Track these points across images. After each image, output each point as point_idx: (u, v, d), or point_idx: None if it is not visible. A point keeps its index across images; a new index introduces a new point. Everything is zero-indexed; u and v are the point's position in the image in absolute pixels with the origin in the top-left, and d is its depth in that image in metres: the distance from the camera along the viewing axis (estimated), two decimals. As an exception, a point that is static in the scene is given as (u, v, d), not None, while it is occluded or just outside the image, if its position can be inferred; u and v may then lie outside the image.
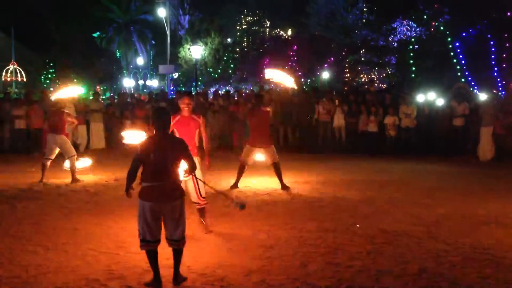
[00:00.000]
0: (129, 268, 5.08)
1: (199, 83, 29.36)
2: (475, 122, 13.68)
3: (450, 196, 8.78)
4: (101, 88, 33.43)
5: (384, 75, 24.87)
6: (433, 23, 22.00)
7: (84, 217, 7.20)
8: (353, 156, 13.96)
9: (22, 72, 34.21)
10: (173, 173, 4.70)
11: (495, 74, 18.61)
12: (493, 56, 18.60)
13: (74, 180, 9.93)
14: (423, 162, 13.05)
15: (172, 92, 28.81)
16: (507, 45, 18.34)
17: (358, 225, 6.75)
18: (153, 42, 40.12)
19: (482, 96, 14.88)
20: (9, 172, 11.19)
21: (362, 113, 14.70)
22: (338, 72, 25.93)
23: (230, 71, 31.53)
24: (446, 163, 12.87)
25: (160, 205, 4.59)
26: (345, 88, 20.67)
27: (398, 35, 23.95)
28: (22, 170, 11.42)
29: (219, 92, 22.48)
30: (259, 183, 9.86)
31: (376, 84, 22.50)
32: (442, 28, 21.16)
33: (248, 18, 34.50)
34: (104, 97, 25.19)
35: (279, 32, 32.77)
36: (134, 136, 7.89)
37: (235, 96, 18.24)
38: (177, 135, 6.05)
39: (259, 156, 9.39)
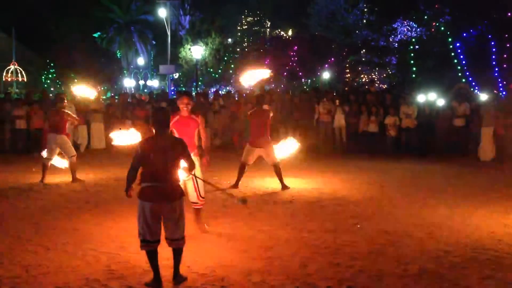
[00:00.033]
0: (130, 268, 5.08)
1: (199, 83, 29.37)
2: (475, 122, 13.67)
3: (450, 196, 8.77)
4: (102, 88, 33.39)
5: (384, 75, 24.89)
6: (433, 24, 22.03)
7: (85, 217, 7.20)
8: (354, 157, 13.95)
9: (23, 72, 34.22)
10: (172, 173, 4.70)
11: (496, 74, 18.62)
12: (493, 57, 18.62)
13: (75, 180, 9.93)
14: (424, 162, 13.04)
15: (172, 92, 28.83)
16: (508, 45, 18.36)
17: (358, 226, 6.75)
18: (154, 42, 40.10)
19: (483, 96, 14.88)
20: (10, 172, 11.19)
21: (362, 113, 14.70)
22: (338, 72, 25.95)
23: (231, 71, 31.53)
24: (447, 163, 12.86)
25: (160, 205, 4.59)
26: (346, 88, 20.69)
27: (399, 36, 23.97)
28: (22, 170, 11.42)
29: (220, 92, 22.48)
30: (259, 183, 9.86)
31: (376, 85, 22.52)
32: (442, 28, 21.18)
33: (249, 19, 34.52)
34: (104, 97, 25.14)
35: (279, 33, 32.79)
36: (123, 137, 7.89)
37: (236, 96, 18.23)
38: (176, 135, 6.03)
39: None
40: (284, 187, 9.30)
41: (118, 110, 16.39)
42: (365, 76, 25.07)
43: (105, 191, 9.16)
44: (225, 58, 32.23)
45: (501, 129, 13.18)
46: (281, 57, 27.83)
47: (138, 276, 4.85)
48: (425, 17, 22.63)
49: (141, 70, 41.36)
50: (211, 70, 32.65)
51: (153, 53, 41.25)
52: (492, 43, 18.68)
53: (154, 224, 4.60)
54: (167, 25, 30.17)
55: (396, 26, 24.08)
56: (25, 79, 34.36)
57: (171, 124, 5.75)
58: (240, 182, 9.45)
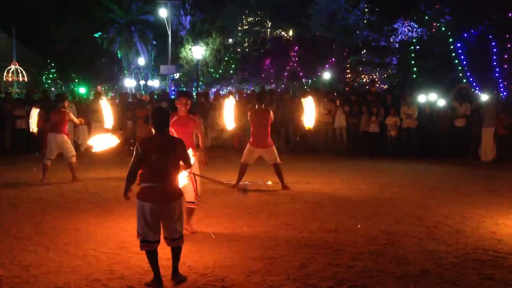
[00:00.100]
0: (130, 268, 5.08)
1: (200, 83, 29.35)
2: (476, 122, 13.66)
3: (451, 196, 8.77)
4: (103, 88, 33.42)
5: (385, 75, 24.85)
6: (434, 24, 22.00)
7: (85, 217, 7.20)
8: (354, 157, 13.96)
9: (23, 72, 34.24)
10: (172, 173, 4.71)
11: (497, 74, 18.60)
12: (494, 57, 18.60)
13: (75, 179, 9.94)
14: (424, 162, 13.04)
15: (173, 92, 28.80)
16: (509, 45, 18.34)
17: (359, 226, 6.75)
18: (154, 43, 40.09)
19: (484, 97, 14.87)
20: (10, 172, 11.20)
21: (363, 113, 14.69)
22: (339, 72, 25.92)
23: (231, 72, 31.51)
24: (447, 163, 12.86)
25: (160, 205, 4.60)
26: (346, 89, 20.66)
27: (400, 36, 23.94)
28: (23, 170, 11.43)
29: (220, 92, 22.46)
30: (260, 183, 9.86)
31: (377, 85, 22.49)
32: (443, 28, 21.16)
33: (250, 19, 34.44)
34: (105, 97, 25.16)
35: (280, 33, 32.72)
36: (103, 142, 7.90)
37: (236, 96, 18.21)
38: (175, 135, 6.03)
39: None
40: (285, 187, 9.31)
41: (119, 110, 16.35)
42: (366, 76, 25.02)
43: (105, 191, 9.16)
44: (226, 58, 32.19)
45: (502, 129, 13.17)
46: (281, 58, 27.80)
47: (138, 276, 4.86)
48: (426, 17, 22.60)
49: (141, 70, 41.35)
50: (212, 70, 32.62)
51: (154, 53, 41.24)
52: (493, 43, 18.66)
53: (154, 224, 4.60)
54: (168, 25, 30.15)
55: (396, 26, 24.04)
56: (26, 79, 34.39)
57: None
58: (240, 183, 9.44)
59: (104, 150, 8.48)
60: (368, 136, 14.59)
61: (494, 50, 18.60)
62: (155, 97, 18.07)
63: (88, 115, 15.32)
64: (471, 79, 18.97)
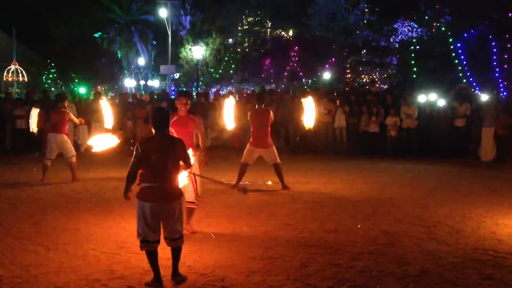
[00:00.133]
0: (130, 268, 5.08)
1: (200, 83, 29.33)
2: (476, 122, 13.66)
3: (451, 196, 8.77)
4: (103, 88, 33.43)
5: (385, 75, 24.85)
6: (434, 24, 22.00)
7: (85, 217, 7.20)
8: (354, 157, 13.96)
9: (24, 72, 34.24)
10: (173, 173, 4.71)
11: (497, 74, 18.60)
12: (494, 57, 18.60)
13: (75, 179, 9.94)
14: (424, 162, 13.04)
15: (173, 92, 28.80)
16: (509, 45, 18.34)
17: (359, 226, 6.75)
18: (154, 43, 40.09)
19: (484, 97, 14.87)
20: (10, 172, 11.20)
21: (363, 113, 14.69)
22: (339, 72, 25.91)
23: (232, 72, 31.51)
24: (447, 163, 12.86)
25: (160, 205, 4.60)
26: (346, 89, 20.66)
27: (400, 36, 23.94)
28: (23, 170, 11.43)
29: (220, 92, 22.46)
30: (260, 183, 9.86)
31: (377, 85, 22.48)
32: (443, 28, 21.16)
33: (250, 19, 34.44)
34: (105, 97, 25.18)
35: (280, 33, 32.72)
36: (102, 142, 7.90)
37: (236, 96, 18.22)
38: (175, 135, 6.02)
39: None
40: (285, 187, 9.31)
41: (119, 110, 16.35)
42: (366, 76, 25.02)
43: (105, 191, 9.16)
44: (226, 58, 32.19)
45: (502, 129, 13.18)
46: (281, 58, 27.79)
47: (138, 276, 4.86)
48: (426, 17, 22.60)
49: (141, 70, 41.36)
50: (212, 70, 32.62)
51: (154, 53, 41.25)
52: (493, 43, 18.67)
53: (154, 224, 4.60)
54: (168, 25, 30.15)
55: (396, 26, 24.05)
56: (26, 79, 34.38)
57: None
58: (240, 183, 9.45)
59: (104, 150, 8.49)
60: (368, 136, 14.59)
61: (494, 50, 18.60)
62: (155, 97, 18.07)
63: (88, 115, 15.32)
64: (471, 79, 18.97)
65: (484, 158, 13.37)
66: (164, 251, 4.83)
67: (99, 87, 31.92)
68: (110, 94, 28.82)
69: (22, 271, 4.99)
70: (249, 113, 9.45)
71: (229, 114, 9.30)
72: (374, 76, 24.53)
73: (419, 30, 22.94)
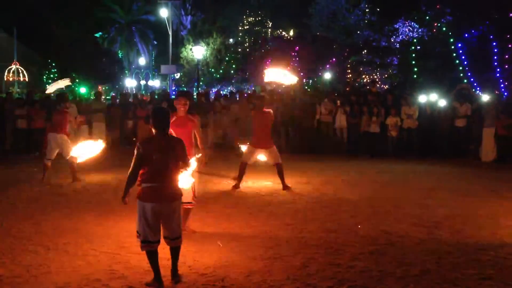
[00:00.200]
0: (131, 268, 5.08)
1: (200, 83, 29.35)
2: (477, 123, 13.66)
3: (451, 196, 8.77)
4: (103, 88, 33.46)
5: (386, 75, 24.83)
6: (435, 24, 21.98)
7: (85, 217, 7.20)
8: (355, 157, 13.96)
9: (24, 72, 34.27)
10: (173, 173, 4.72)
11: (498, 75, 18.59)
12: (495, 57, 18.59)
13: (75, 179, 9.94)
14: (425, 163, 13.04)
15: (174, 92, 28.81)
16: (510, 46, 18.32)
17: (359, 226, 6.75)
18: (155, 43, 40.14)
19: (484, 97, 14.86)
20: (11, 172, 11.20)
21: (364, 113, 14.69)
22: (340, 72, 25.91)
23: (232, 72, 31.54)
24: (448, 164, 12.85)
25: (161, 205, 4.60)
26: (347, 89, 20.66)
27: (400, 36, 23.92)
28: (23, 170, 11.42)
29: (221, 92, 22.47)
30: (260, 183, 9.86)
31: (378, 85, 22.47)
32: (444, 29, 21.15)
33: (250, 19, 34.47)
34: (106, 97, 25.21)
35: (281, 33, 32.75)
36: (87, 150, 7.92)
37: (237, 96, 18.22)
38: (174, 135, 6.02)
39: (261, 156, 9.43)
40: (285, 187, 9.30)
41: (120, 110, 16.37)
42: (367, 76, 25.01)
43: (106, 191, 9.15)
44: (227, 58, 32.22)
45: (503, 129, 13.17)
46: (282, 57, 27.80)
47: (139, 276, 4.86)
48: (427, 17, 22.59)
49: (142, 70, 41.40)
50: (213, 70, 32.65)
51: (155, 53, 41.29)
52: (494, 43, 18.66)
53: (155, 224, 4.61)
54: (169, 25, 30.16)
55: (397, 26, 24.04)
56: (27, 79, 34.42)
57: None
58: (241, 183, 9.46)
59: (89, 158, 8.57)
60: (368, 136, 14.59)
61: (495, 50, 18.59)
62: (156, 97, 18.08)
63: (89, 115, 15.35)
64: (471, 79, 18.96)
65: (484, 158, 13.36)
66: (164, 251, 4.83)
67: (99, 87, 31.94)
68: (111, 94, 28.83)
69: (23, 271, 4.99)
70: (250, 114, 9.45)
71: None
72: (375, 76, 24.52)
73: (419, 30, 22.93)
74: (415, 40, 22.42)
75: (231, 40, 33.90)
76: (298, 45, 27.94)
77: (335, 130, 15.23)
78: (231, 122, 15.56)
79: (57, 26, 36.60)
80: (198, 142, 6.64)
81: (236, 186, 9.37)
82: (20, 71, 34.07)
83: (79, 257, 5.42)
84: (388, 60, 24.75)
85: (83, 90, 23.99)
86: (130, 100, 17.87)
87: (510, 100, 15.72)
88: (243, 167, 9.41)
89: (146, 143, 4.69)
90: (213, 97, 19.01)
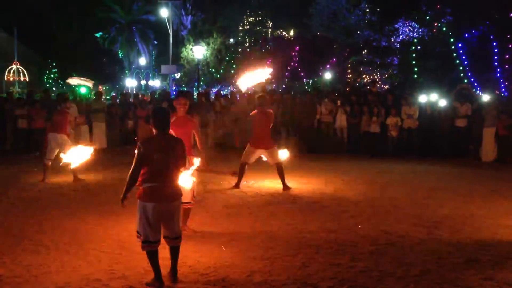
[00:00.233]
0: (131, 268, 5.08)
1: (201, 83, 29.34)
2: (477, 123, 13.66)
3: (452, 197, 8.77)
4: (104, 88, 33.46)
5: (386, 75, 24.85)
6: (435, 24, 22.00)
7: (86, 217, 7.20)
8: (355, 157, 13.96)
9: (25, 72, 34.26)
10: (174, 173, 4.73)
11: (498, 75, 18.60)
12: (495, 57, 18.60)
13: (76, 179, 9.94)
14: (425, 163, 13.04)
15: (174, 92, 28.82)
16: (510, 46, 18.33)
17: (359, 226, 6.75)
18: (156, 42, 40.13)
19: (485, 97, 14.85)
20: (11, 172, 11.20)
21: (364, 113, 14.70)
22: (340, 72, 25.92)
23: (232, 72, 31.54)
24: (448, 164, 12.85)
25: (162, 205, 4.61)
26: (347, 89, 20.66)
27: (401, 36, 23.94)
28: (23, 170, 11.43)
29: (221, 92, 22.47)
30: (261, 183, 9.86)
31: (378, 85, 22.49)
32: (444, 29, 21.17)
33: (251, 19, 34.49)
34: (107, 97, 25.21)
35: (281, 33, 32.77)
36: (77, 155, 7.93)
37: (237, 96, 18.23)
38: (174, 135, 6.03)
39: (262, 156, 9.43)
40: (286, 187, 9.30)
41: (120, 110, 16.38)
42: (367, 76, 25.03)
43: (106, 191, 9.15)
44: (227, 58, 32.23)
45: (503, 129, 13.17)
46: (282, 58, 27.81)
47: (139, 276, 4.86)
48: (427, 17, 22.61)
49: (142, 70, 41.40)
50: (213, 70, 32.66)
51: (155, 53, 41.29)
52: (494, 43, 18.67)
53: (156, 224, 4.62)
54: (169, 25, 30.16)
55: (398, 26, 24.05)
56: (27, 79, 34.40)
57: None
58: (241, 183, 9.46)
59: (81, 163, 8.57)
60: (369, 136, 14.59)
61: (495, 50, 18.61)
62: (156, 97, 18.08)
63: (89, 115, 15.36)
64: (472, 79, 18.98)
65: (485, 158, 13.36)
66: (164, 251, 4.83)
67: (100, 87, 31.93)
68: (112, 93, 28.83)
69: (23, 271, 4.99)
70: (250, 114, 9.44)
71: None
72: (375, 76, 24.54)
73: (420, 30, 22.94)
74: (415, 40, 22.44)
75: (231, 40, 33.91)
76: (299, 45, 27.96)
77: (335, 130, 15.24)
78: (231, 122, 15.56)
79: (57, 26, 36.61)
80: (197, 143, 6.64)
81: (236, 186, 9.37)
82: (21, 71, 34.06)
83: (80, 257, 5.42)
84: (389, 60, 24.77)
85: (83, 90, 23.98)
86: (130, 100, 17.88)
87: (511, 100, 15.72)
88: (243, 168, 9.41)
89: (146, 143, 4.69)
90: (213, 97, 19.01)
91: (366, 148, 14.54)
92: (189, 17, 35.78)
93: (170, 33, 30.16)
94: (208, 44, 32.11)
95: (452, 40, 19.95)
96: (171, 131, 5.95)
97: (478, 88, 18.35)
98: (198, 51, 26.69)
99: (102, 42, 39.46)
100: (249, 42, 32.41)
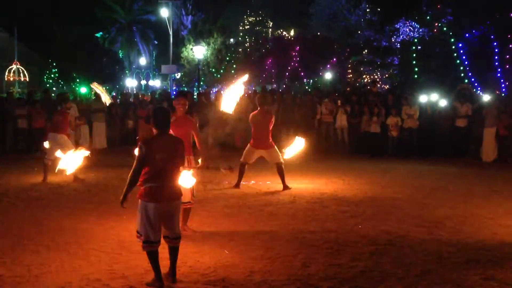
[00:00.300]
0: (131, 268, 5.08)
1: (201, 83, 29.34)
2: (478, 123, 13.65)
3: (452, 197, 8.76)
4: (104, 88, 33.44)
5: (386, 75, 24.86)
6: (436, 24, 21.99)
7: (86, 217, 7.20)
8: (355, 157, 13.95)
9: (25, 71, 34.28)
10: (174, 173, 4.73)
11: (498, 75, 18.58)
12: (496, 57, 18.59)
13: (76, 179, 9.94)
14: (426, 163, 13.03)
15: (174, 92, 28.82)
16: (510, 46, 18.32)
17: (360, 226, 6.74)
18: (156, 42, 40.16)
19: (485, 97, 14.83)
20: (11, 172, 11.20)
21: (364, 113, 14.69)
22: (340, 72, 25.94)
23: (233, 72, 31.54)
24: (449, 164, 12.85)
25: (164, 205, 4.61)
26: (348, 89, 20.66)
27: (401, 36, 23.96)
28: (23, 170, 11.42)
29: (222, 92, 22.42)
30: (261, 183, 9.86)
31: (378, 85, 22.50)
32: (445, 29, 21.16)
33: (251, 19, 34.54)
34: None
35: (281, 33, 32.78)
36: (72, 161, 7.93)
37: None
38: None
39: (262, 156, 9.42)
40: (286, 187, 9.30)
41: (120, 110, 16.37)
42: (367, 76, 25.05)
43: (106, 191, 9.16)
44: (227, 58, 32.23)
45: (504, 130, 13.16)
46: (283, 58, 27.81)
47: (140, 276, 4.86)
48: (428, 17, 22.61)
49: (143, 70, 41.42)
50: (213, 70, 32.66)
51: (155, 53, 41.31)
52: (495, 43, 18.66)
53: (157, 224, 4.62)
54: (169, 25, 30.16)
55: (398, 26, 24.07)
56: (27, 79, 34.42)
57: None
58: (241, 183, 9.46)
59: (76, 168, 8.58)
60: (369, 136, 14.59)
61: (496, 50, 18.59)
62: (157, 97, 18.09)
63: (90, 115, 15.36)
64: (472, 80, 18.96)
65: (485, 158, 13.35)
66: (165, 251, 4.83)
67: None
68: (112, 93, 28.84)
69: (23, 271, 4.99)
70: (250, 114, 9.44)
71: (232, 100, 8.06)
72: (376, 76, 24.55)
73: (420, 30, 22.95)
74: (415, 40, 22.43)
75: (231, 40, 33.91)
76: (299, 45, 27.96)
77: (335, 130, 15.23)
78: (232, 122, 15.53)
79: (58, 26, 36.61)
80: (196, 142, 6.64)
81: (236, 186, 9.37)
82: (21, 71, 34.08)
83: (80, 257, 5.42)
84: (389, 60, 24.78)
85: (83, 90, 24.00)
86: (130, 100, 17.88)
87: (511, 100, 15.70)
88: (242, 168, 9.41)
89: (148, 143, 4.68)
90: (213, 97, 19.00)
91: (367, 148, 14.53)
92: (190, 17, 35.81)
93: (171, 33, 30.17)
94: (208, 44, 32.11)
95: (452, 40, 19.94)
96: (171, 131, 5.97)
97: (479, 88, 18.34)
98: (199, 51, 26.69)
99: (103, 42, 39.48)
100: (250, 42, 32.41)
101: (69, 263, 5.23)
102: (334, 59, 26.04)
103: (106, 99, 11.07)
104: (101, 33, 39.59)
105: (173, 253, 4.77)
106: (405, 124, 14.24)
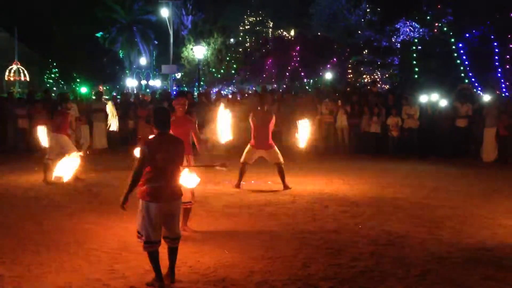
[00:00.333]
0: (131, 268, 5.08)
1: (201, 83, 29.34)
2: (478, 123, 13.64)
3: (452, 197, 8.76)
4: (104, 88, 33.47)
5: (387, 75, 24.86)
6: (436, 24, 22.00)
7: (86, 216, 7.20)
8: (356, 157, 13.95)
9: (25, 71, 34.28)
10: (175, 173, 4.73)
11: (499, 75, 18.59)
12: (496, 57, 18.59)
13: (76, 179, 9.92)
14: (426, 163, 13.02)
15: (174, 92, 28.82)
16: (511, 46, 18.33)
17: (360, 226, 6.74)
18: (156, 42, 40.16)
19: (486, 97, 14.83)
20: (12, 172, 11.20)
21: (365, 113, 14.68)
22: (341, 72, 25.93)
23: (233, 72, 31.54)
24: (449, 164, 12.84)
25: (165, 205, 4.61)
26: (348, 89, 20.65)
27: (401, 36, 23.95)
28: (23, 169, 11.42)
29: (222, 92, 22.46)
30: (261, 183, 9.86)
31: (379, 85, 22.50)
32: (445, 29, 21.16)
33: (251, 19, 34.50)
34: (107, 97, 25.22)
35: (282, 33, 32.76)
36: (68, 168, 7.92)
37: (238, 96, 18.21)
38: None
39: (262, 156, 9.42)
40: (286, 187, 9.30)
41: (120, 110, 16.34)
42: (368, 76, 25.06)
43: (107, 191, 9.15)
44: (227, 58, 32.22)
45: (504, 130, 13.15)
46: (283, 58, 27.81)
47: (140, 276, 4.86)
48: (428, 17, 22.62)
49: (143, 70, 41.41)
50: (213, 70, 32.65)
51: (155, 53, 41.31)
52: (495, 43, 18.67)
53: (158, 224, 4.63)
54: (170, 25, 30.15)
55: (398, 26, 24.06)
56: (28, 79, 34.41)
57: None
58: (241, 183, 9.46)
59: (73, 174, 8.56)
60: (369, 136, 14.58)
61: (496, 50, 18.60)
62: (157, 97, 18.07)
63: (90, 114, 15.34)
64: (473, 80, 18.97)
65: (485, 158, 13.34)
66: (165, 251, 4.83)
67: (100, 87, 31.95)
68: (112, 93, 28.85)
69: (24, 271, 4.99)
70: (250, 114, 9.44)
71: (224, 126, 8.15)
72: (376, 76, 24.55)
73: (421, 30, 22.95)
74: (416, 40, 22.43)
75: (232, 40, 33.91)
76: (299, 45, 27.95)
77: (336, 130, 15.22)
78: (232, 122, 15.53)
79: (58, 26, 36.63)
80: (196, 142, 6.65)
81: (237, 186, 9.37)
82: (21, 71, 34.07)
83: (80, 257, 5.42)
84: (389, 60, 24.78)
85: (84, 89, 24.01)
86: (131, 100, 17.86)
87: (511, 100, 15.70)
88: (243, 168, 9.40)
89: (149, 143, 4.69)
90: (214, 97, 19.00)
91: (367, 148, 14.53)
92: (190, 17, 35.80)
93: (171, 33, 30.16)
94: (208, 44, 32.11)
95: (452, 40, 19.94)
96: (170, 131, 5.97)
97: (479, 88, 18.34)
98: (199, 51, 26.68)
99: (103, 42, 39.49)
100: (250, 42, 32.40)
101: (69, 263, 5.23)
102: (334, 59, 26.04)
103: (110, 118, 11.06)
104: (101, 33, 39.60)
105: (172, 254, 4.77)
106: (406, 124, 14.24)
